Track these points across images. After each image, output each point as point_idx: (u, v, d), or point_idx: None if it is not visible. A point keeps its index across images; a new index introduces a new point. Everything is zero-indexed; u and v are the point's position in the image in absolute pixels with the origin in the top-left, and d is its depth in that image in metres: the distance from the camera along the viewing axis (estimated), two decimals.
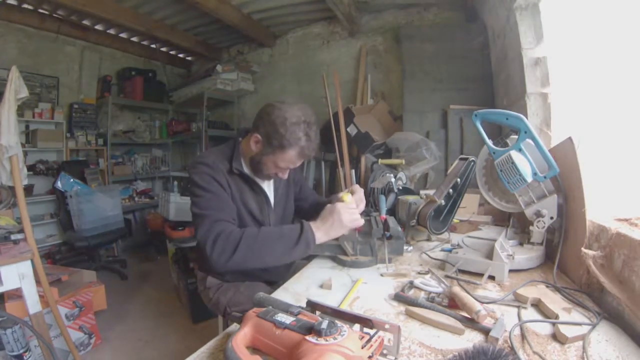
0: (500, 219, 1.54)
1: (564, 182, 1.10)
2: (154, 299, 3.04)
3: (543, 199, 1.12)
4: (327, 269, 1.19)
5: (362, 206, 1.24)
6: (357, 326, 0.66)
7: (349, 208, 1.12)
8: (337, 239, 1.26)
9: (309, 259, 1.33)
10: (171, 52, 4.84)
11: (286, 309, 0.68)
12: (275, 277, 1.43)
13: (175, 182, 4.56)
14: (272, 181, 1.39)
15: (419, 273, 1.11)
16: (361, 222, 1.14)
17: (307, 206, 1.56)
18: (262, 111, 1.21)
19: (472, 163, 1.32)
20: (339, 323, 0.59)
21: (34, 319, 1.70)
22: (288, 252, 1.06)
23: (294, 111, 1.16)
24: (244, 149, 1.29)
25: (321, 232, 1.09)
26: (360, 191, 1.27)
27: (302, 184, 1.59)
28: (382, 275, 1.10)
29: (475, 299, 0.82)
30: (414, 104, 2.76)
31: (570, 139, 1.06)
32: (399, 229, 1.28)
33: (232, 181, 1.24)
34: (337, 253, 1.26)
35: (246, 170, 1.27)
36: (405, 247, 1.29)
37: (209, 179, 1.17)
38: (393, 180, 1.79)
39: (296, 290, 1.02)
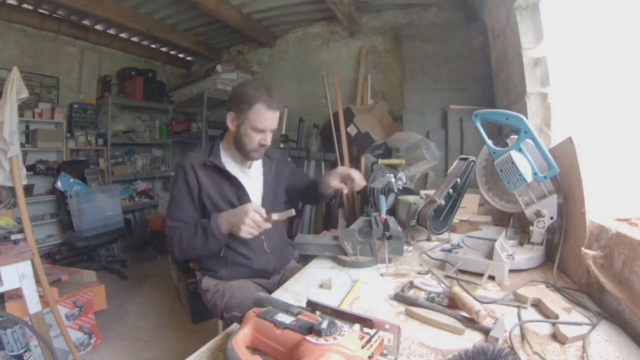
0: (500, 219, 1.54)
1: (564, 182, 1.10)
2: (154, 299, 3.04)
3: (543, 199, 1.12)
4: (326, 269, 1.19)
5: (357, 178, 1.42)
6: (357, 326, 0.66)
7: (256, 217, 1.15)
8: (336, 239, 1.26)
9: (308, 259, 1.33)
10: (171, 52, 4.83)
11: (286, 308, 0.68)
12: (265, 265, 1.42)
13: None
14: (257, 173, 1.48)
15: (419, 273, 1.11)
16: (252, 234, 1.18)
17: (304, 187, 1.63)
18: (230, 97, 1.42)
19: (472, 163, 1.32)
20: (339, 323, 0.59)
21: (34, 319, 1.70)
22: (205, 245, 1.25)
23: (255, 83, 1.34)
24: (226, 144, 1.42)
25: (226, 224, 1.22)
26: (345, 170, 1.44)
27: (292, 170, 1.67)
28: (382, 275, 1.10)
29: (475, 299, 0.82)
30: (414, 104, 2.75)
31: (570, 139, 1.06)
32: (399, 229, 1.28)
33: (207, 175, 1.35)
34: (337, 253, 1.26)
35: (222, 163, 1.37)
36: (405, 247, 1.29)
37: (182, 182, 1.34)
38: (393, 180, 1.78)
39: (296, 290, 1.02)
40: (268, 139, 1.35)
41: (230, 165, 1.40)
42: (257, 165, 1.49)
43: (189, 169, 1.34)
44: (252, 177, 1.45)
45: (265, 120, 1.30)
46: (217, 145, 1.42)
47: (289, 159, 1.81)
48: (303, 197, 1.68)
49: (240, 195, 1.37)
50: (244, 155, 1.38)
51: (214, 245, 1.26)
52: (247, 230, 1.15)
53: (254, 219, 1.15)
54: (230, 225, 1.20)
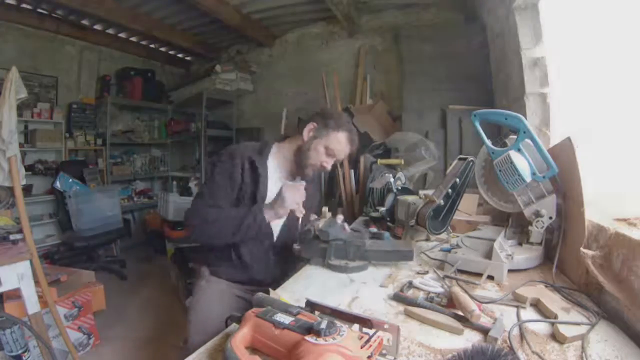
0: (499, 219, 1.54)
1: (563, 182, 1.11)
2: (153, 299, 3.03)
3: (542, 199, 1.12)
4: (325, 269, 1.19)
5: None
6: (356, 326, 0.66)
7: (296, 190, 1.22)
8: (326, 242, 1.23)
9: (306, 260, 1.33)
10: (170, 52, 4.82)
11: (285, 309, 0.68)
12: (263, 276, 1.37)
13: (175, 182, 4.55)
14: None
15: (418, 273, 1.11)
16: (301, 211, 1.24)
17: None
18: (318, 111, 1.42)
19: (471, 163, 1.32)
20: (338, 323, 0.59)
21: (33, 319, 1.70)
22: (238, 225, 1.21)
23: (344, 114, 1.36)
24: (283, 148, 1.41)
25: (268, 208, 1.23)
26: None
27: (317, 204, 1.63)
28: (380, 286, 1.04)
29: (474, 299, 0.82)
30: (413, 104, 2.76)
31: (569, 139, 1.07)
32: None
33: (250, 170, 1.32)
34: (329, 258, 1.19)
35: (265, 165, 1.34)
36: None
37: (226, 173, 1.30)
38: (392, 180, 1.79)
39: (295, 290, 1.02)
40: (330, 165, 1.38)
41: (273, 168, 1.37)
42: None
43: (238, 162, 1.30)
44: (271, 182, 1.38)
45: (340, 148, 1.35)
46: (270, 145, 1.41)
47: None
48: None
49: (255, 198, 1.31)
50: (298, 167, 1.36)
51: (248, 229, 1.22)
52: (290, 203, 1.20)
53: (296, 194, 1.20)
54: (274, 208, 1.22)
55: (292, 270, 1.50)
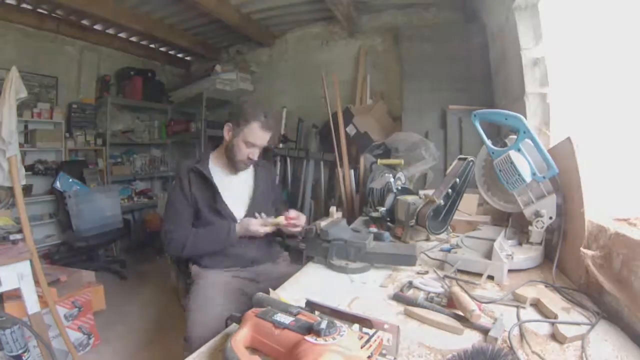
0: (499, 219, 1.54)
1: (563, 182, 1.11)
2: (153, 299, 3.03)
3: (542, 199, 1.12)
4: (324, 269, 1.19)
5: (302, 220, 1.50)
6: (356, 326, 0.66)
7: (255, 224, 1.44)
8: (328, 241, 1.23)
9: (307, 260, 1.33)
10: (170, 52, 4.82)
11: (285, 309, 0.68)
12: (242, 252, 1.50)
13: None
14: (245, 180, 1.62)
15: (418, 273, 1.11)
16: (261, 233, 1.44)
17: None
18: (232, 111, 1.60)
19: (471, 163, 1.32)
20: (338, 323, 0.59)
21: (33, 319, 1.70)
22: (219, 245, 1.45)
23: (254, 102, 1.44)
24: (217, 153, 1.60)
25: (241, 230, 1.45)
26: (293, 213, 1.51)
27: (275, 185, 1.86)
28: (381, 286, 1.05)
29: (474, 299, 0.82)
30: (413, 104, 2.75)
31: (569, 139, 1.07)
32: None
33: (195, 179, 1.51)
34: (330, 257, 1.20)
35: (207, 169, 1.52)
36: None
37: (178, 188, 1.51)
38: (392, 180, 1.78)
39: (295, 290, 1.02)
40: (256, 155, 1.52)
41: (216, 171, 1.54)
42: (247, 173, 1.63)
43: (184, 175, 1.50)
44: (237, 184, 1.59)
45: (256, 137, 1.48)
46: (207, 153, 1.61)
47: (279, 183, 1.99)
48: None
49: (216, 197, 1.49)
50: (232, 164, 1.54)
51: (225, 245, 1.44)
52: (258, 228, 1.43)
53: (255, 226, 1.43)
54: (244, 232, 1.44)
55: (278, 256, 1.67)
